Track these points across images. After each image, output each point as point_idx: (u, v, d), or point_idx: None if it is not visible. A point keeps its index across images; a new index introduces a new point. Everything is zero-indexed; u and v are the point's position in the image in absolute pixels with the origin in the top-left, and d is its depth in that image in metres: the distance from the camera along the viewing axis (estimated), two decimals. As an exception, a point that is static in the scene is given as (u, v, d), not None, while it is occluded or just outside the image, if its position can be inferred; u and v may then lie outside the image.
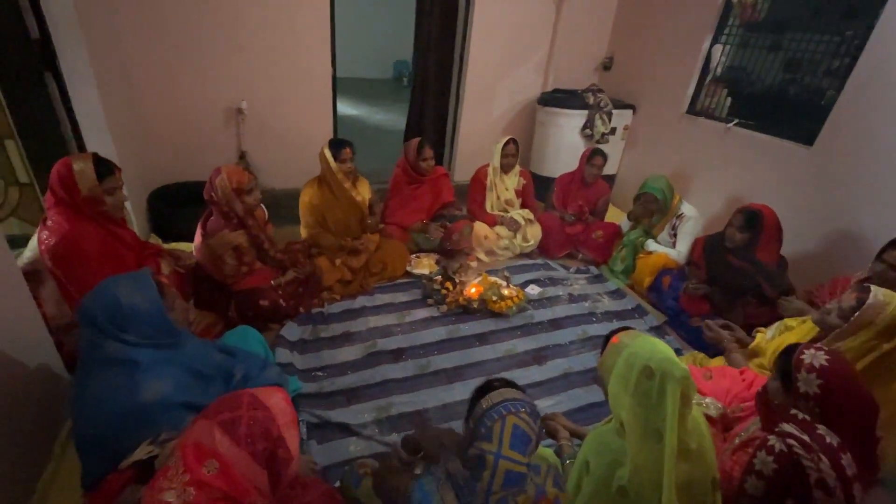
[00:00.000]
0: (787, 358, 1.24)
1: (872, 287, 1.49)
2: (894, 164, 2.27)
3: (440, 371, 2.13)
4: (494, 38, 3.72)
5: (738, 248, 2.37)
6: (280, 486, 0.93)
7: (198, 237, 2.16)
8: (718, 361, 2.04)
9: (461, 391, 2.01)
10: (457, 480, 0.99)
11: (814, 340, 1.61)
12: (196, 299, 2.17)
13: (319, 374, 2.05)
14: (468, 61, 3.75)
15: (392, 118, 6.72)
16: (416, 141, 2.92)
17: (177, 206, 2.95)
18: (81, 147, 2.31)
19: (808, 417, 1.13)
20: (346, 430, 1.77)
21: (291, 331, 2.23)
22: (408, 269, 2.85)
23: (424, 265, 2.87)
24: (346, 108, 6.99)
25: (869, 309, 1.44)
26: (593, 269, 3.15)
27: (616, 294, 2.88)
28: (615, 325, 2.49)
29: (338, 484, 1.48)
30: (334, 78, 3.44)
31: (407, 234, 3.02)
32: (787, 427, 1.10)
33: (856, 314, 1.46)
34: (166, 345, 1.28)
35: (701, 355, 2.20)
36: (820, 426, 1.09)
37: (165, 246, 2.43)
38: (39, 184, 2.24)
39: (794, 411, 1.15)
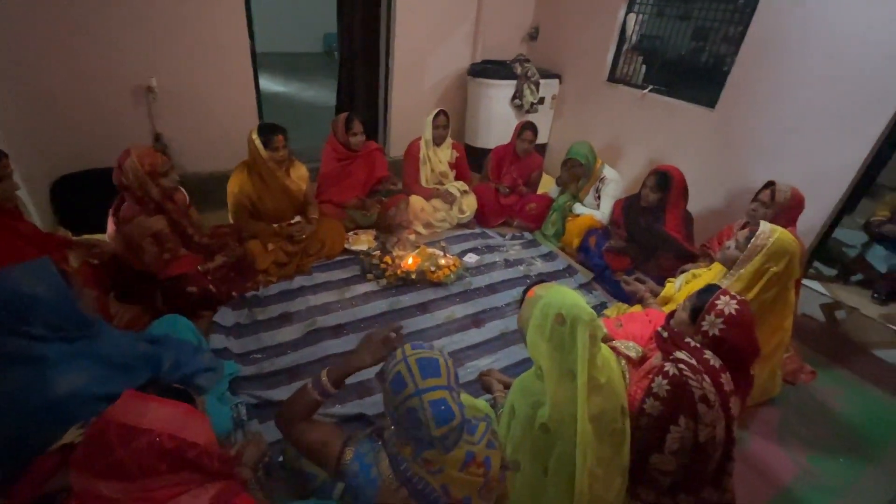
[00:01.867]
0: (705, 297, 1.37)
1: (761, 221, 1.77)
2: (783, 123, 2.53)
3: (382, 342, 2.17)
4: (422, 9, 3.65)
5: (648, 210, 2.57)
6: (216, 463, 0.88)
7: (111, 226, 2.02)
8: (637, 310, 2.24)
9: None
10: (390, 447, 1.00)
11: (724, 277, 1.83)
12: (117, 292, 2.05)
13: (258, 356, 2.02)
14: (395, 33, 3.67)
15: (324, 94, 6.45)
16: (343, 116, 2.86)
17: (85, 195, 2.71)
18: (-41, 133, 2.06)
19: (698, 345, 1.29)
20: (288, 407, 1.77)
21: (226, 316, 2.17)
22: (346, 246, 2.82)
23: (363, 241, 2.86)
24: (273, 85, 6.63)
25: (761, 235, 1.70)
26: (527, 234, 3.28)
27: (548, 256, 3.04)
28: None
29: (281, 458, 1.51)
30: (254, 52, 3.26)
31: (343, 211, 2.98)
32: (680, 354, 1.25)
33: (750, 242, 1.71)
34: (78, 337, 1.22)
35: (625, 306, 2.40)
36: (707, 351, 1.25)
37: (76, 238, 2.25)
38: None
39: (688, 339, 1.31)
